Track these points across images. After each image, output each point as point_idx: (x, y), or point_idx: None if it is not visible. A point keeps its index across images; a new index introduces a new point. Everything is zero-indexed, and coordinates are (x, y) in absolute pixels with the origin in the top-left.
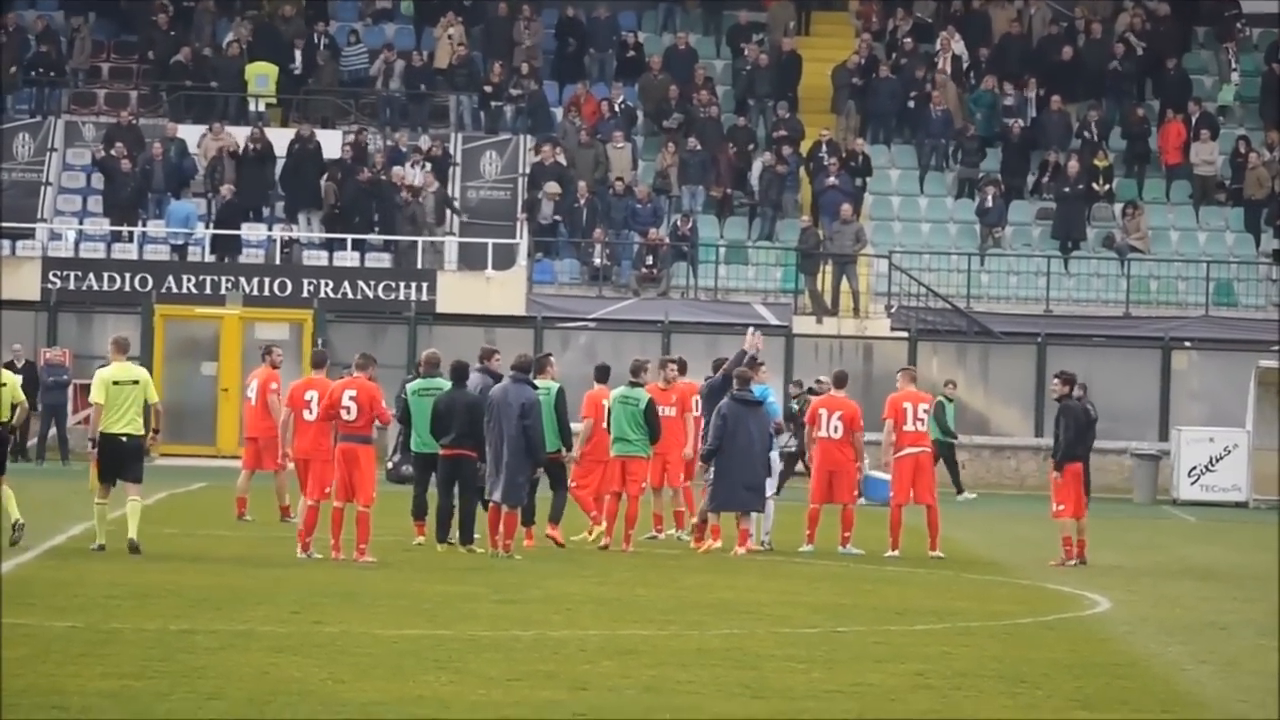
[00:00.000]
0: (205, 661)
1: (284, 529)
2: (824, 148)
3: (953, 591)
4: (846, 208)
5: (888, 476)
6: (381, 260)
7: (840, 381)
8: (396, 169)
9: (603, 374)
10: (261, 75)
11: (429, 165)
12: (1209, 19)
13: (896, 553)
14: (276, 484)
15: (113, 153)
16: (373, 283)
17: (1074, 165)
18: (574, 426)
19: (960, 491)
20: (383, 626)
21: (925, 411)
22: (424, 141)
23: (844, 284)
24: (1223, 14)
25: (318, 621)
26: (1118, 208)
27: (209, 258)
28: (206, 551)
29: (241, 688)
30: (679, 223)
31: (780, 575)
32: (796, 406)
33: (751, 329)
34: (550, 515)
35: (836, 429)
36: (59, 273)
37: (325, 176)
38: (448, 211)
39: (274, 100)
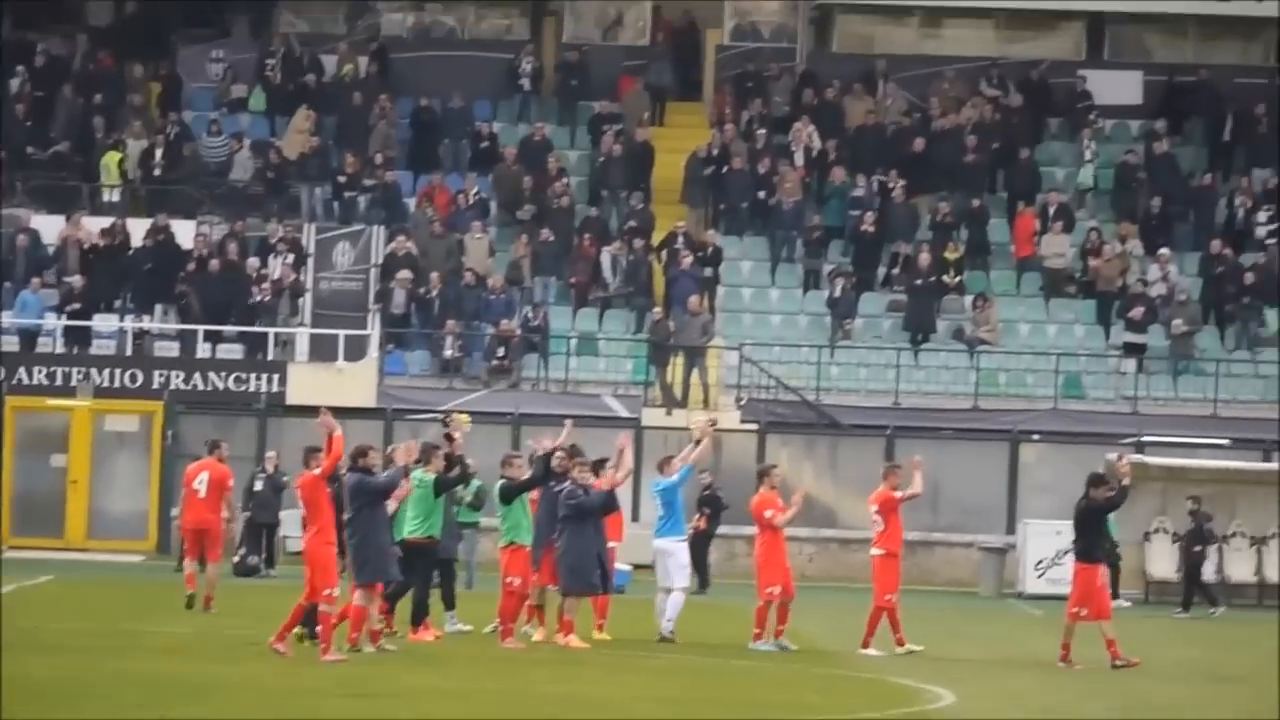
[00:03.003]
0: None
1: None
2: (678, 239)
3: (800, 685)
4: (694, 299)
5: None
6: (233, 352)
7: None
8: (252, 260)
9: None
10: (104, 164)
11: (292, 257)
12: (1061, 110)
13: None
14: (211, 575)
15: None
16: (224, 374)
17: (925, 257)
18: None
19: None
20: None
21: (876, 513)
22: (276, 231)
23: (695, 376)
24: (1075, 105)
25: (162, 717)
26: (968, 300)
27: (60, 349)
28: (53, 644)
29: None
30: (530, 314)
31: (629, 669)
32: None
33: (569, 421)
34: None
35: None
36: None
37: (182, 268)
38: (299, 303)
39: (131, 190)
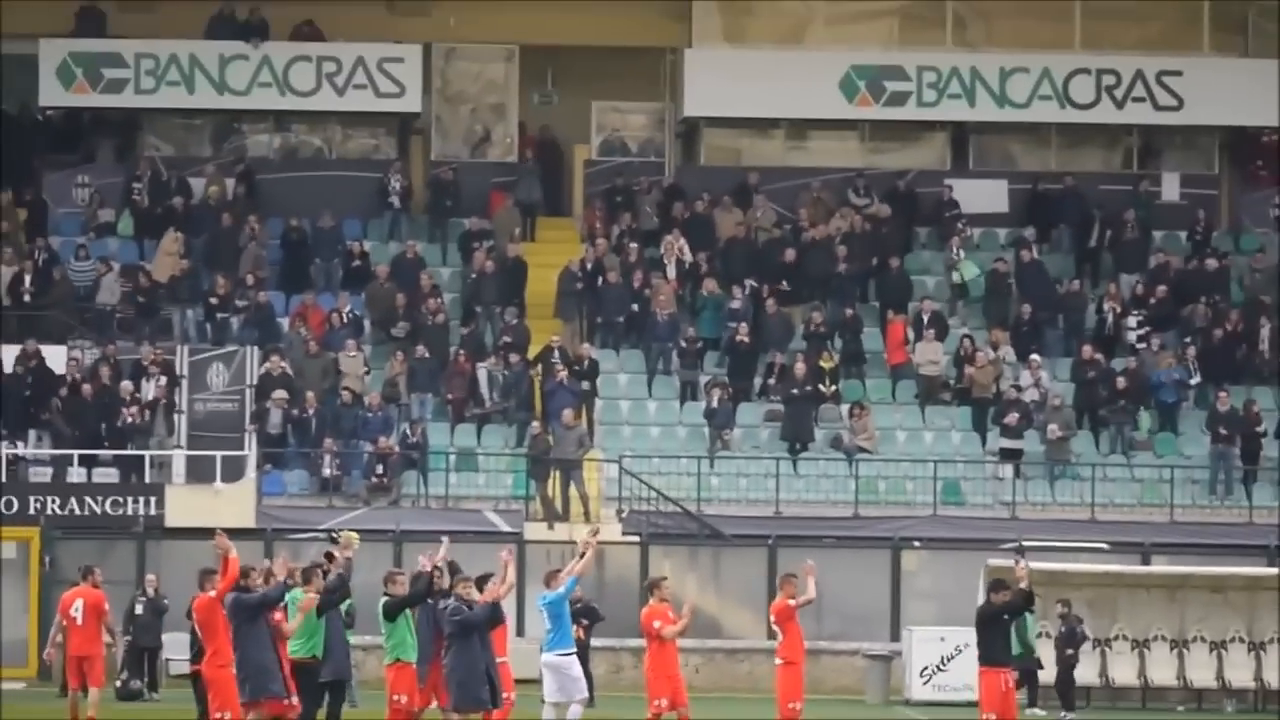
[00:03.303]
0: None
1: None
2: (554, 353)
3: None
4: (568, 413)
5: None
6: (110, 475)
7: None
8: (125, 383)
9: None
10: None
11: (164, 379)
12: (929, 219)
13: None
14: (93, 699)
15: None
16: (100, 498)
17: (800, 367)
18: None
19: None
20: None
21: (775, 623)
22: (149, 354)
23: (574, 489)
24: (943, 214)
25: None
26: (844, 408)
27: None
28: None
29: None
30: (408, 430)
31: None
32: None
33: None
34: None
35: None
36: None
37: (54, 393)
38: (175, 421)
39: (1, 315)
